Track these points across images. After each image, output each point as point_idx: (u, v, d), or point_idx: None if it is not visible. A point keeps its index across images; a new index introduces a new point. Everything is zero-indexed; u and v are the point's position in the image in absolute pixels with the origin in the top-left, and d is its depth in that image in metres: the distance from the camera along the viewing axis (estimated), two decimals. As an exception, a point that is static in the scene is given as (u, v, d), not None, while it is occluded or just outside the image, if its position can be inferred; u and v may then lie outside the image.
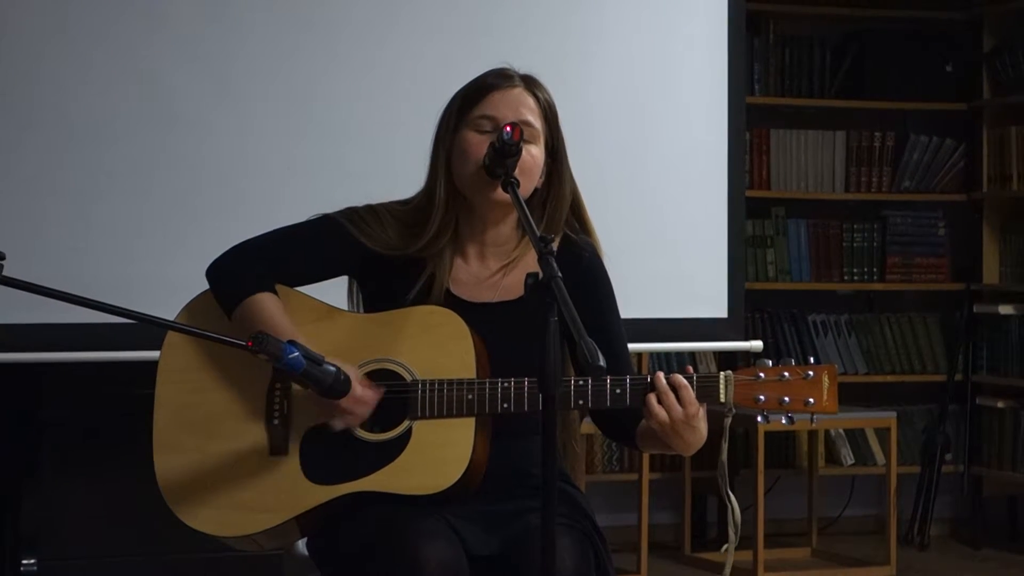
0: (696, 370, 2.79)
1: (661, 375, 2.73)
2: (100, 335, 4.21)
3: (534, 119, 2.88)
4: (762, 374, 2.77)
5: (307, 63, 4.52)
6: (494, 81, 2.90)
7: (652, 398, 2.73)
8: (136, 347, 4.14)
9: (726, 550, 2.84)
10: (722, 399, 2.77)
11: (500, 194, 2.82)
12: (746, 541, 5.75)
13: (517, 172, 2.79)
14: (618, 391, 2.75)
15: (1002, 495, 6.58)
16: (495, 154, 2.76)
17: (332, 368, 2.70)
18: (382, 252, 2.89)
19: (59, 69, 4.34)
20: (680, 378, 2.73)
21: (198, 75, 4.44)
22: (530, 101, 2.90)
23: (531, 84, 2.92)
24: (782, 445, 6.43)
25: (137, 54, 4.40)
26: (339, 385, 2.72)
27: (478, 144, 2.84)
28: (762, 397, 2.77)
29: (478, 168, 2.83)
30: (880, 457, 6.42)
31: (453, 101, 2.92)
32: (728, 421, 2.80)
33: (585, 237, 2.97)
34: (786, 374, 2.77)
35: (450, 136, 2.89)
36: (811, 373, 2.77)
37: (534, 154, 2.87)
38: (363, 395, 2.76)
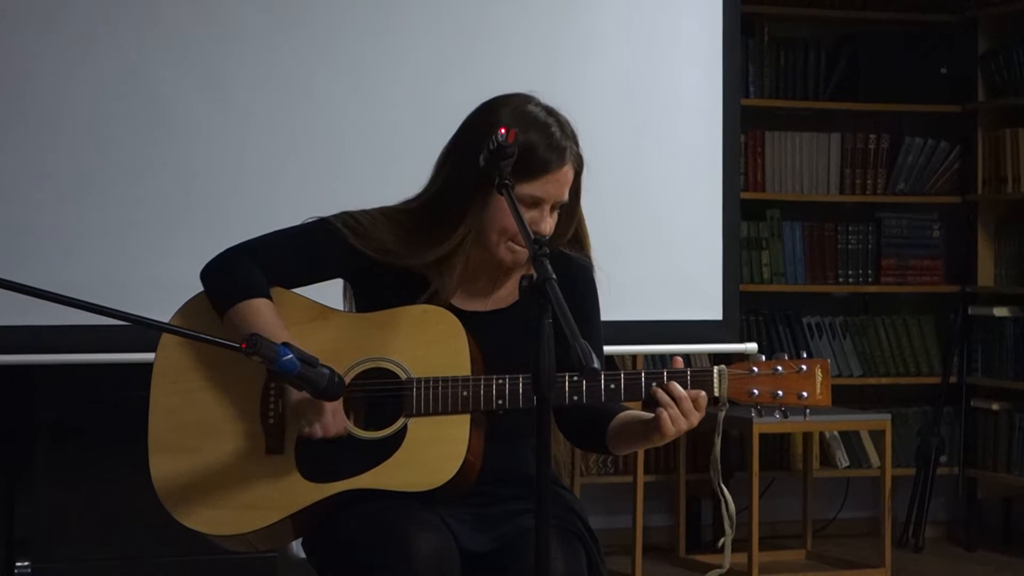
0: (686, 375, 2.79)
1: (661, 392, 2.74)
2: (93, 337, 4.20)
3: (568, 189, 2.87)
4: (755, 368, 2.77)
5: (300, 64, 4.52)
6: (549, 156, 2.82)
7: (663, 413, 2.73)
8: (129, 349, 4.14)
9: (723, 544, 2.85)
10: (716, 393, 2.77)
11: (514, 256, 2.84)
12: (741, 544, 5.75)
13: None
14: (612, 386, 2.76)
15: (996, 497, 6.58)
16: (491, 156, 2.75)
17: (326, 371, 2.71)
18: (377, 257, 2.88)
19: (49, 70, 4.33)
20: (680, 389, 2.73)
21: (189, 76, 4.43)
22: (572, 174, 2.87)
23: (574, 151, 2.87)
24: (777, 447, 6.43)
25: (128, 55, 4.39)
26: (333, 388, 2.72)
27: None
28: (755, 391, 2.77)
29: (508, 239, 2.83)
30: (875, 459, 6.42)
31: (500, 148, 2.70)
32: (722, 415, 2.80)
33: (580, 256, 2.98)
34: (779, 368, 2.78)
35: (489, 188, 2.78)
36: (804, 367, 2.78)
37: (553, 221, 2.87)
38: (329, 418, 2.77)
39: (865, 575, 5.85)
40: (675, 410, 2.72)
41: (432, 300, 2.87)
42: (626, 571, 5.76)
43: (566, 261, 2.92)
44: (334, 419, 2.77)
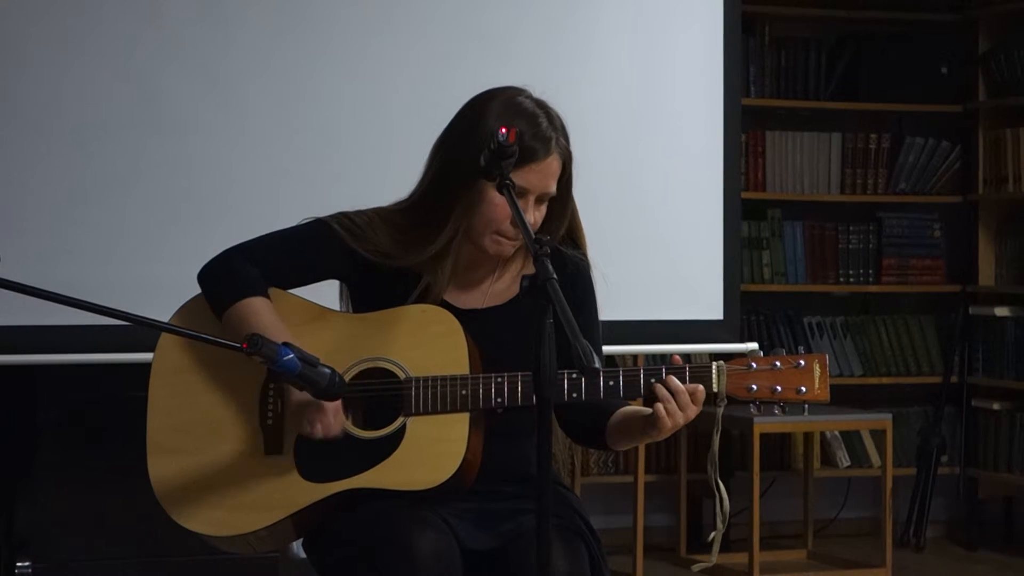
0: (684, 372, 2.79)
1: (660, 386, 2.74)
2: (94, 337, 4.20)
3: (554, 181, 2.87)
4: (754, 364, 2.78)
5: (297, 63, 4.52)
6: (535, 145, 2.82)
7: (661, 408, 2.73)
8: (129, 349, 4.14)
9: (712, 539, 2.86)
10: (715, 389, 2.77)
11: (499, 248, 2.85)
12: (742, 543, 5.75)
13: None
14: (611, 384, 2.76)
15: (997, 497, 6.58)
16: (492, 156, 2.74)
17: (327, 370, 2.71)
18: (373, 259, 2.88)
19: (46, 68, 4.32)
20: (678, 383, 2.74)
21: (187, 74, 4.43)
22: (558, 165, 2.86)
23: (561, 143, 2.87)
24: (777, 447, 6.43)
25: (125, 53, 4.38)
26: (334, 387, 2.72)
27: (504, 207, 2.80)
28: (754, 386, 2.77)
29: (494, 230, 2.84)
30: (876, 459, 6.42)
31: (484, 139, 2.74)
32: (720, 412, 2.80)
33: (576, 253, 2.97)
34: (777, 363, 2.78)
35: (476, 179, 2.80)
36: (802, 362, 2.78)
37: (539, 215, 2.87)
38: (338, 413, 2.77)
39: (866, 575, 5.85)
40: (672, 404, 2.73)
41: (424, 295, 2.87)
42: (627, 571, 5.76)
43: (562, 259, 2.92)
44: (334, 420, 2.77)
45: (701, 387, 2.75)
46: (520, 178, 2.80)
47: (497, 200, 2.80)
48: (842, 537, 6.48)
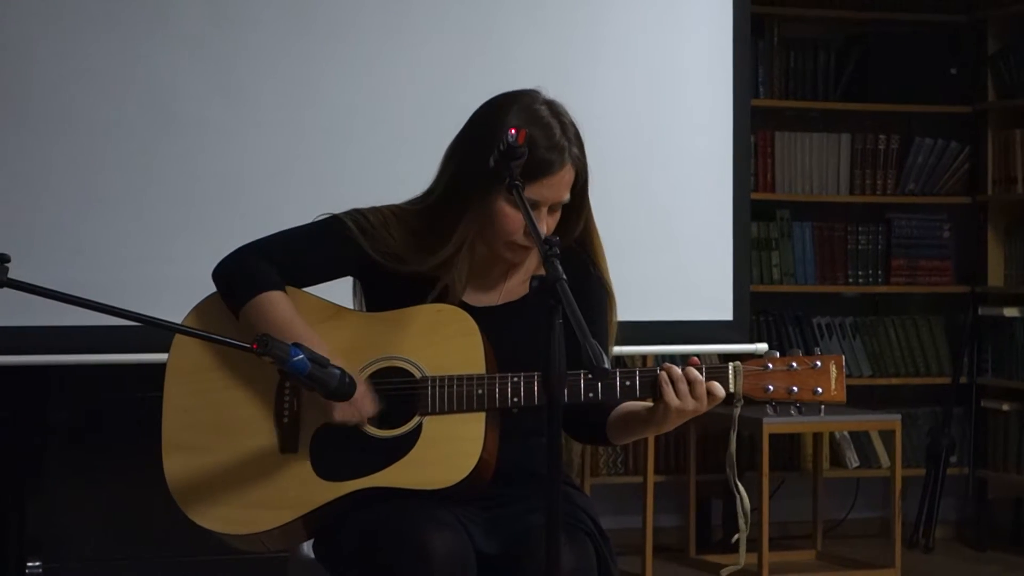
0: (701, 372, 2.79)
1: (673, 367, 2.75)
2: (105, 338, 4.20)
3: (567, 190, 2.86)
4: (770, 364, 2.79)
5: (309, 63, 4.51)
6: (550, 157, 2.81)
7: (669, 389, 2.74)
8: (141, 350, 4.14)
9: (736, 540, 2.86)
10: (731, 389, 2.78)
11: (514, 255, 2.86)
12: (751, 544, 5.73)
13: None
14: (628, 383, 2.76)
15: (1007, 497, 6.58)
16: (500, 157, 2.74)
17: (337, 371, 2.71)
18: (386, 263, 2.88)
19: (55, 68, 4.32)
20: (695, 373, 2.74)
21: (199, 75, 4.42)
22: (571, 176, 2.86)
23: (574, 153, 2.86)
24: (787, 447, 6.43)
25: (137, 53, 4.38)
26: (344, 388, 2.72)
27: (516, 219, 2.80)
28: (770, 387, 2.78)
29: (508, 240, 2.84)
30: (885, 459, 6.42)
31: (511, 149, 2.70)
32: (737, 412, 2.81)
33: (601, 276, 2.96)
34: (794, 364, 2.79)
35: (489, 185, 2.80)
36: (819, 363, 2.79)
37: (552, 221, 2.86)
38: (363, 399, 2.77)
39: (875, 575, 5.85)
40: (683, 385, 2.73)
41: (442, 297, 2.88)
42: (636, 571, 5.76)
43: (586, 272, 2.92)
44: (364, 407, 2.78)
45: (717, 384, 2.75)
46: (534, 192, 2.79)
47: (509, 211, 2.80)
48: (851, 538, 6.48)
